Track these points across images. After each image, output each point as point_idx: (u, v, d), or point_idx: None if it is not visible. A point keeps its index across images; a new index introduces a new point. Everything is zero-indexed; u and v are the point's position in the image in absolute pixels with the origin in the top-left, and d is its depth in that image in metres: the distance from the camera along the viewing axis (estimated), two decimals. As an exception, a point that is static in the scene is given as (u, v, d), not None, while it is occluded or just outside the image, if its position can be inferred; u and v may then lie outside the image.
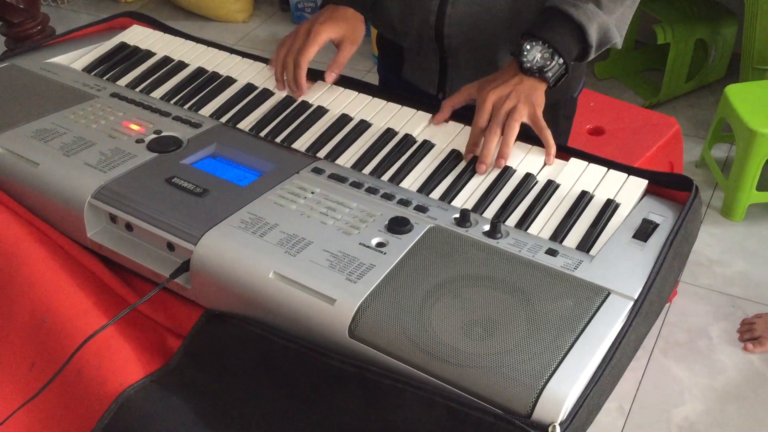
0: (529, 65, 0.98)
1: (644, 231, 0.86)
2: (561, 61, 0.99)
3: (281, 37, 1.13)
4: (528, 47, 0.98)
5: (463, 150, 0.99)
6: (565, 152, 0.98)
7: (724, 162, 2.52)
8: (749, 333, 1.93)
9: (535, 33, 0.98)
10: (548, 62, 0.98)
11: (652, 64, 2.96)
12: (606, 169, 0.95)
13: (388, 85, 1.31)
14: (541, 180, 0.95)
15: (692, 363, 1.90)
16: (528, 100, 0.97)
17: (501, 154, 0.95)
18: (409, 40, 1.18)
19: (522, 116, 0.96)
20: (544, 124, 0.97)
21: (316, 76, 1.13)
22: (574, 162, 0.97)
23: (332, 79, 1.10)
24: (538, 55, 0.98)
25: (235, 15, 3.46)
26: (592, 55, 1.02)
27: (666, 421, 1.76)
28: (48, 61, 1.21)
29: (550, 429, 0.64)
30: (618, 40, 1.02)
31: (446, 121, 1.04)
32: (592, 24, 0.98)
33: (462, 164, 0.98)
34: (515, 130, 0.96)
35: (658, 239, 0.85)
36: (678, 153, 1.84)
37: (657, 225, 0.87)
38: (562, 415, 0.66)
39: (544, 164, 0.97)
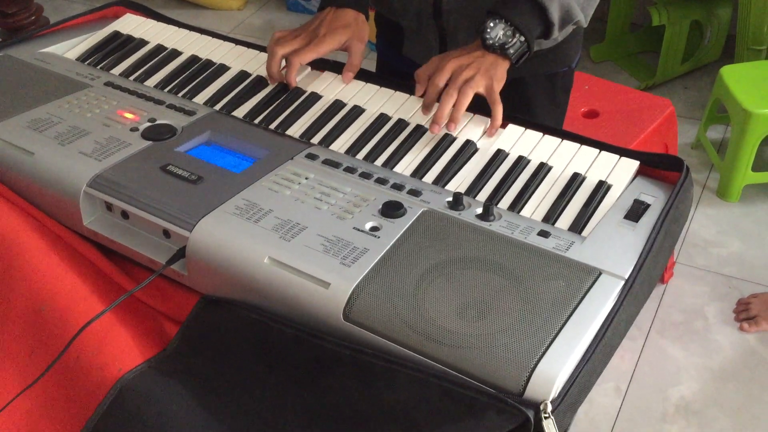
0: (491, 42, 1.00)
1: (635, 212, 0.86)
2: (522, 39, 1.01)
3: (276, 25, 1.13)
4: (491, 25, 1.00)
5: (462, 136, 1.00)
6: (557, 135, 0.99)
7: (720, 143, 2.52)
8: (745, 313, 1.95)
9: (498, 11, 1.01)
10: (510, 39, 1.00)
11: (647, 46, 2.96)
12: (598, 150, 0.96)
13: (386, 64, 1.31)
14: (534, 162, 0.96)
15: (688, 343, 1.91)
16: (487, 73, 0.99)
17: (452, 119, 0.98)
18: (408, 18, 1.19)
19: (478, 86, 0.98)
20: (498, 98, 0.99)
21: (334, 68, 1.13)
22: (567, 144, 0.97)
23: (350, 79, 1.10)
24: (501, 33, 1.00)
25: (230, 2, 3.45)
26: (557, 33, 1.04)
27: (662, 401, 1.78)
28: (41, 51, 1.21)
29: (541, 407, 0.65)
30: (581, 17, 1.04)
31: (393, 89, 1.06)
32: (552, 2, 1.00)
33: (455, 148, 0.98)
34: (469, 96, 0.98)
35: (649, 220, 0.86)
36: (673, 134, 1.84)
37: (648, 206, 0.88)
38: (554, 393, 0.67)
39: (483, 133, 0.99)
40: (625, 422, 1.74)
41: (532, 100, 1.20)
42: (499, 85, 1.00)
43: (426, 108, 1.01)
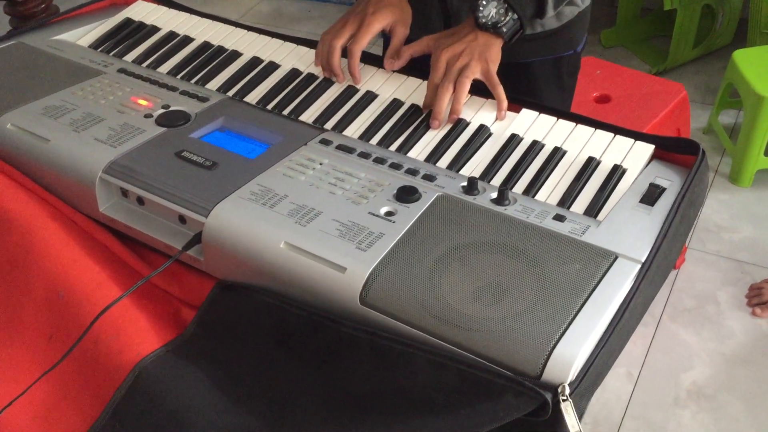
0: (484, 20, 1.00)
1: (651, 195, 0.86)
2: (515, 17, 1.00)
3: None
4: (484, 2, 1.00)
5: (476, 121, 1.00)
6: (572, 119, 0.99)
7: (732, 128, 2.51)
8: (757, 298, 1.94)
9: None
10: (503, 18, 1.00)
11: (658, 31, 2.94)
12: (612, 135, 0.96)
13: (387, 43, 1.30)
14: (548, 147, 0.95)
15: (700, 328, 1.91)
16: (482, 57, 0.99)
17: (453, 110, 0.99)
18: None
19: (474, 73, 0.99)
20: (496, 80, 0.99)
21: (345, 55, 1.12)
22: (581, 128, 0.97)
23: (392, 66, 1.09)
24: (493, 11, 1.00)
25: (238, -11, 3.45)
26: (550, 12, 1.04)
27: (675, 386, 1.78)
28: (54, 38, 1.22)
29: (559, 389, 0.65)
30: None
31: (405, 74, 1.06)
32: None
33: (469, 133, 0.98)
34: (466, 86, 0.98)
35: (665, 203, 0.85)
36: (685, 119, 1.83)
37: (664, 189, 0.87)
38: (571, 375, 0.67)
39: (496, 119, 0.99)
40: (637, 407, 1.74)
41: (539, 85, 1.19)
42: (495, 66, 1.00)
43: (425, 108, 1.01)
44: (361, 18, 1.08)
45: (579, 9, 1.14)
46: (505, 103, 0.99)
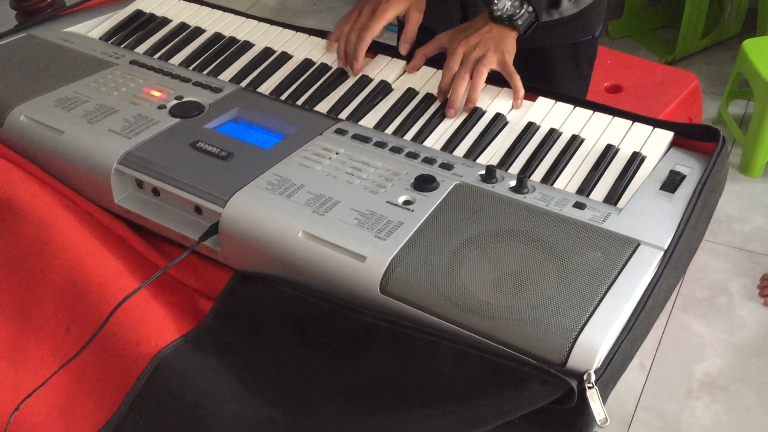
0: (499, 13, 1.00)
1: (672, 182, 0.85)
2: (530, 9, 1.00)
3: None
4: None
5: (492, 109, 0.99)
6: (589, 107, 0.98)
7: (742, 118, 2.49)
8: (769, 288, 1.93)
9: None
10: (518, 10, 1.00)
11: (666, 22, 2.92)
12: (631, 122, 0.95)
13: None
14: (566, 135, 0.94)
15: (712, 319, 1.90)
16: (497, 48, 0.99)
17: (469, 99, 0.99)
18: None
19: (491, 63, 0.99)
20: (513, 70, 0.99)
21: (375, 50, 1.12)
22: (598, 116, 0.96)
23: (407, 50, 1.09)
24: (508, 4, 1.00)
25: (243, -16, 3.43)
26: (566, 4, 1.04)
27: (687, 377, 1.77)
28: (65, 30, 1.21)
29: (585, 376, 0.65)
30: None
31: (417, 69, 1.06)
32: None
33: (485, 122, 0.98)
34: (483, 75, 0.98)
35: (685, 190, 0.85)
36: (697, 108, 1.82)
37: (684, 176, 0.87)
38: (597, 362, 0.66)
39: (512, 108, 0.99)
40: (649, 398, 1.73)
41: (557, 72, 1.19)
42: (510, 57, 1.00)
43: (441, 94, 1.01)
44: (375, 5, 1.07)
45: None
46: (521, 92, 0.99)
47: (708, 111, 2.52)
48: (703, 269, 2.02)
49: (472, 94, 0.98)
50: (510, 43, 1.01)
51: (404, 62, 1.08)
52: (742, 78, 2.32)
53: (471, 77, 0.98)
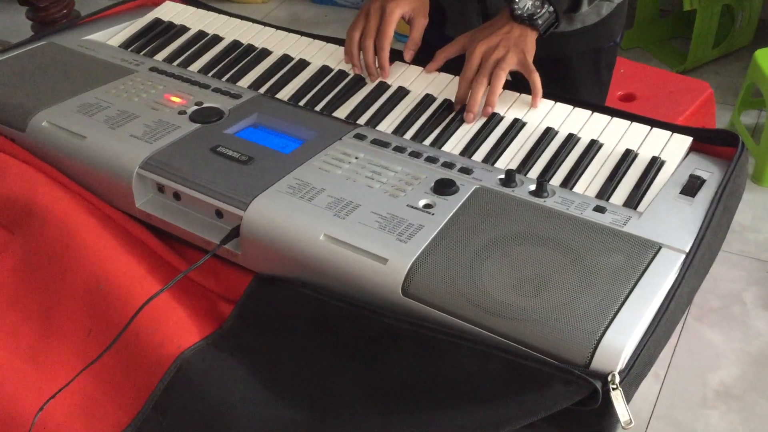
0: (519, 12, 1.01)
1: (692, 186, 0.86)
2: (551, 9, 1.01)
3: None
4: None
5: (509, 115, 1.00)
6: (607, 113, 0.98)
7: (754, 128, 2.49)
8: (784, 298, 1.92)
9: None
10: (538, 10, 1.00)
11: (677, 32, 2.93)
12: (649, 127, 0.95)
13: (425, 41, 1.31)
14: (584, 139, 0.95)
15: (727, 328, 1.89)
16: (517, 47, 0.99)
17: (488, 102, 0.98)
18: (451, 1, 1.19)
19: (510, 65, 0.99)
20: (533, 68, 0.99)
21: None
22: (617, 121, 0.97)
23: (411, 57, 1.10)
24: (529, 3, 1.00)
25: (255, -5, 3.46)
26: (585, 6, 1.04)
27: (702, 386, 1.76)
28: (85, 38, 1.22)
29: (609, 377, 0.65)
30: None
31: (438, 70, 1.06)
32: None
33: (503, 127, 0.98)
34: (502, 78, 0.98)
35: (706, 194, 0.85)
36: (711, 117, 1.82)
37: (704, 180, 0.87)
38: (621, 364, 0.66)
39: (530, 107, 0.99)
40: (664, 408, 1.72)
41: (577, 78, 1.19)
42: (530, 56, 1.01)
43: (458, 103, 1.01)
44: (381, 6, 1.08)
45: (615, 3, 1.13)
46: (540, 92, 0.99)
47: (719, 121, 2.51)
48: (717, 278, 2.01)
49: (490, 98, 0.98)
50: (530, 43, 1.01)
51: (420, 68, 1.09)
52: (754, 88, 2.32)
53: (489, 82, 0.99)
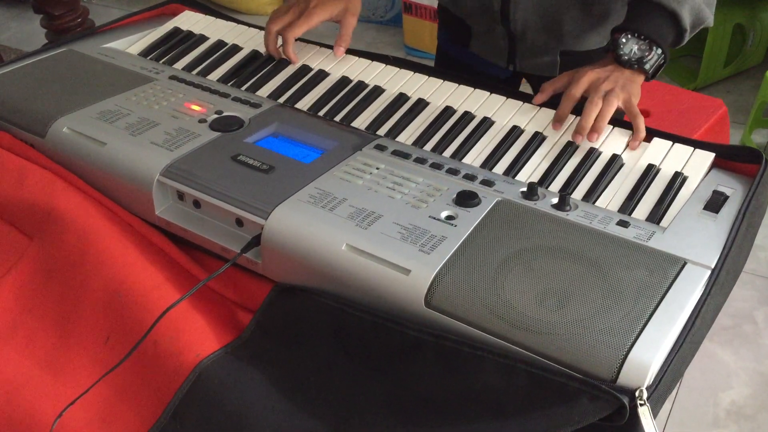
0: (626, 57, 0.98)
1: (715, 202, 0.85)
2: (659, 51, 0.98)
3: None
4: (623, 41, 0.97)
5: (527, 126, 0.99)
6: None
7: (765, 147, 2.49)
8: (796, 317, 1.91)
9: (629, 27, 0.97)
10: (646, 53, 0.97)
11: (688, 50, 2.93)
12: (671, 143, 0.95)
13: (447, 55, 1.30)
14: (606, 154, 0.94)
15: (738, 347, 1.88)
16: (624, 89, 0.96)
17: (595, 129, 0.94)
18: (475, 20, 1.19)
19: (620, 99, 0.95)
20: (638, 111, 0.96)
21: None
22: (638, 136, 0.96)
23: (342, 53, 1.15)
24: (635, 47, 0.97)
25: (265, 8, 3.47)
26: (687, 39, 1.01)
27: (713, 405, 1.75)
28: (104, 46, 1.23)
29: (637, 393, 0.64)
30: (710, 18, 1.01)
31: (542, 102, 1.03)
32: (683, 8, 0.97)
33: (524, 140, 0.98)
34: (613, 106, 0.95)
35: (729, 210, 0.84)
36: (725, 134, 1.82)
37: (727, 197, 0.86)
38: (648, 379, 0.65)
39: (626, 147, 0.95)
40: (675, 426, 1.71)
41: None
42: (636, 100, 0.98)
43: (558, 122, 0.98)
44: (302, 9, 1.12)
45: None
46: (642, 135, 0.95)
47: (731, 140, 2.51)
48: (729, 297, 1.99)
49: (598, 123, 0.94)
50: (637, 88, 0.98)
51: (440, 81, 1.09)
52: (766, 106, 2.32)
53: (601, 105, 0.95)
